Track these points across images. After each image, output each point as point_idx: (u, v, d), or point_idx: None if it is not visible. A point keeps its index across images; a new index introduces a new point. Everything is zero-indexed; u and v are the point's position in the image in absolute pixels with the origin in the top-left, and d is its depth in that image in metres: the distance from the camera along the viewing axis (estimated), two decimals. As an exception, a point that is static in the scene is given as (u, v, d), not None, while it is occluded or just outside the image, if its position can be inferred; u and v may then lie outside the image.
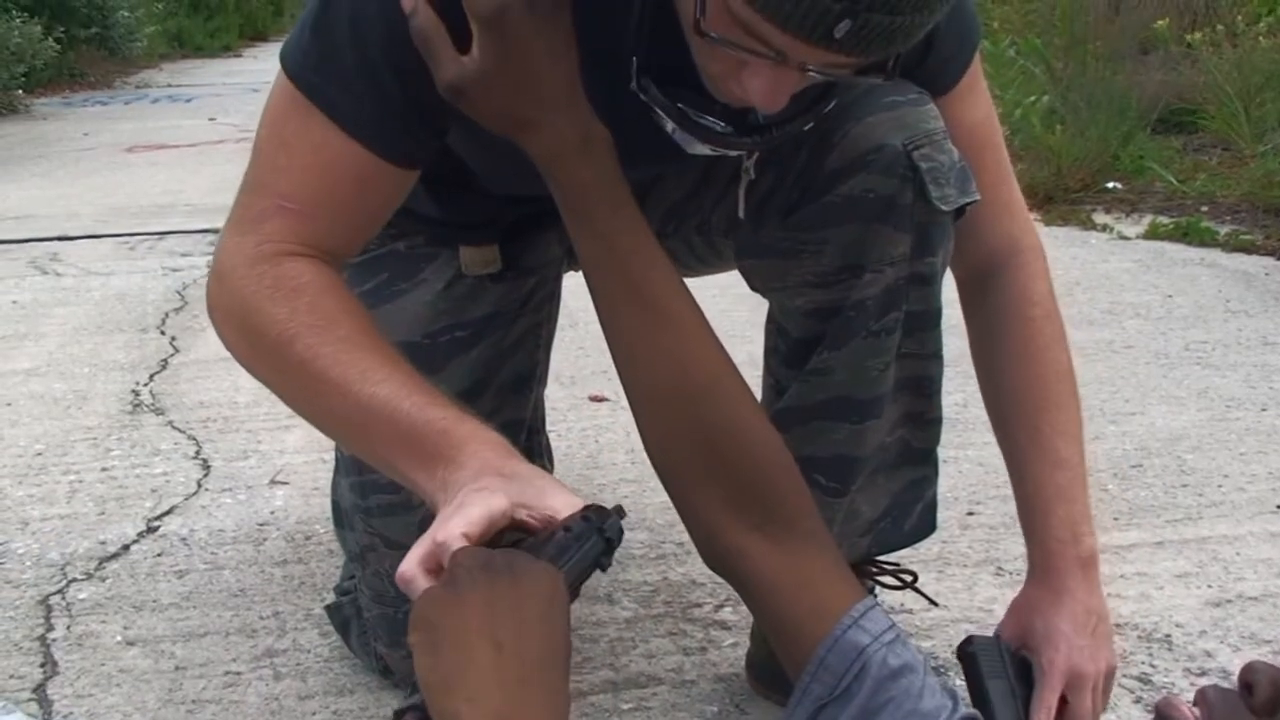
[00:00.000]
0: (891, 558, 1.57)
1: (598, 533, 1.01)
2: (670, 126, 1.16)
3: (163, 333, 3.34)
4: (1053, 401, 1.40)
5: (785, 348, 1.41)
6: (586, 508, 1.02)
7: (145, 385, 2.89)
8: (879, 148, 1.27)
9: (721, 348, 1.16)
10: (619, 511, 1.05)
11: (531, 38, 1.08)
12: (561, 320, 1.65)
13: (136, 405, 2.75)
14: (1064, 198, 4.98)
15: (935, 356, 1.39)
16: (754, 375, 1.35)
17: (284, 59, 1.17)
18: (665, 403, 1.14)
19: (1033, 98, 5.99)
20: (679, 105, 1.14)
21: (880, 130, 1.27)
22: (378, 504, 1.48)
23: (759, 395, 1.47)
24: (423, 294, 1.46)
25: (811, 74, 1.01)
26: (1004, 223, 1.41)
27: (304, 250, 1.17)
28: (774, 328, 1.44)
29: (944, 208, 1.29)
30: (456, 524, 0.98)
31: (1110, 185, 5.16)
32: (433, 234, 1.48)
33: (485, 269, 1.48)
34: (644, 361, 1.15)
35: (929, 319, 1.36)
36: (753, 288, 1.43)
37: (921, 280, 1.32)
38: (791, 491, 1.13)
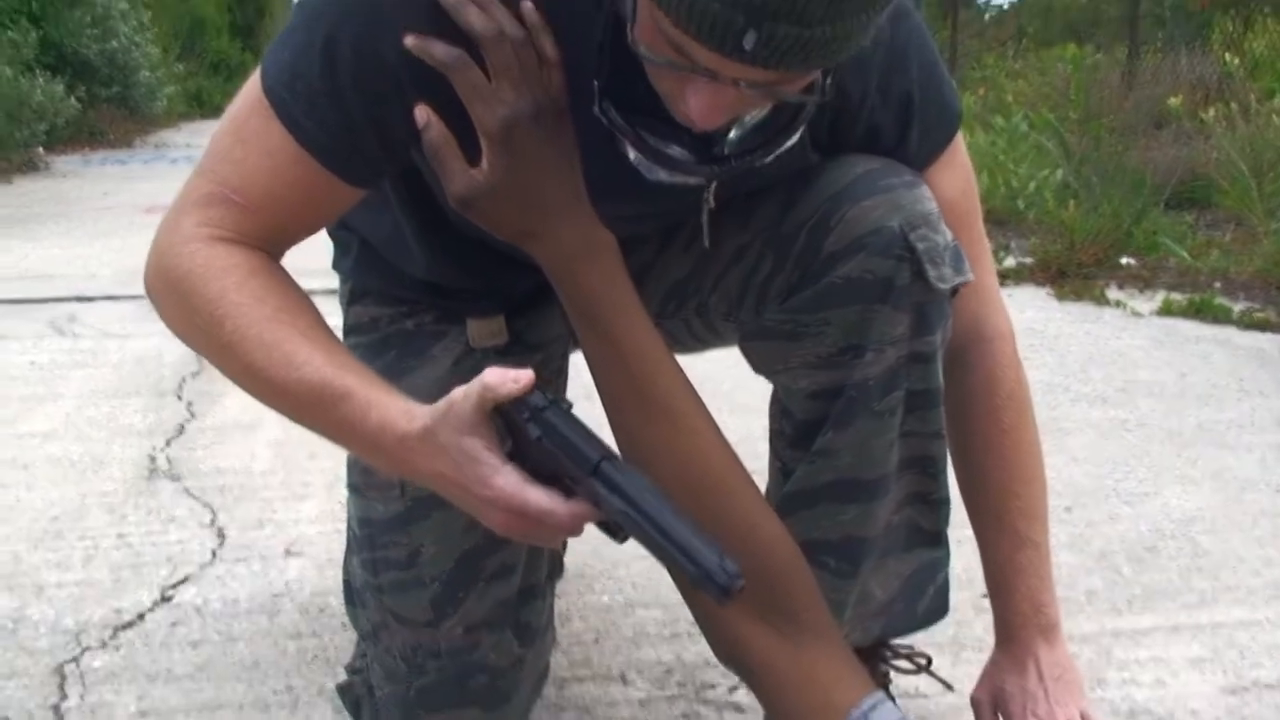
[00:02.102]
0: (905, 641, 1.58)
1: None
2: (631, 152, 1.20)
3: (179, 397, 3.35)
4: (1015, 485, 1.47)
5: (790, 430, 1.43)
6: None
7: (162, 450, 2.90)
8: (876, 230, 1.29)
9: (727, 444, 1.18)
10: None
11: (537, 151, 1.14)
12: (578, 393, 1.65)
13: (153, 471, 2.76)
14: (1077, 273, 4.99)
15: (938, 435, 1.41)
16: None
17: (263, 64, 1.22)
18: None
19: (1046, 172, 6.02)
20: (638, 130, 1.18)
21: (877, 213, 1.29)
22: (389, 581, 1.49)
23: (766, 477, 1.49)
24: (431, 371, 1.48)
25: (746, 91, 1.03)
26: (973, 305, 1.43)
27: (238, 238, 1.22)
28: (778, 410, 1.46)
29: (941, 286, 1.31)
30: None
31: (1124, 261, 5.18)
32: (441, 311, 1.51)
33: (492, 341, 1.51)
34: (651, 460, 1.17)
35: (930, 397, 1.37)
36: (756, 370, 1.44)
37: (921, 359, 1.34)
38: (799, 586, 1.14)
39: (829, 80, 1.10)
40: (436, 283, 1.50)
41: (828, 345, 1.32)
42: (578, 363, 1.38)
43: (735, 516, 1.15)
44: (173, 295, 1.23)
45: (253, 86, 1.22)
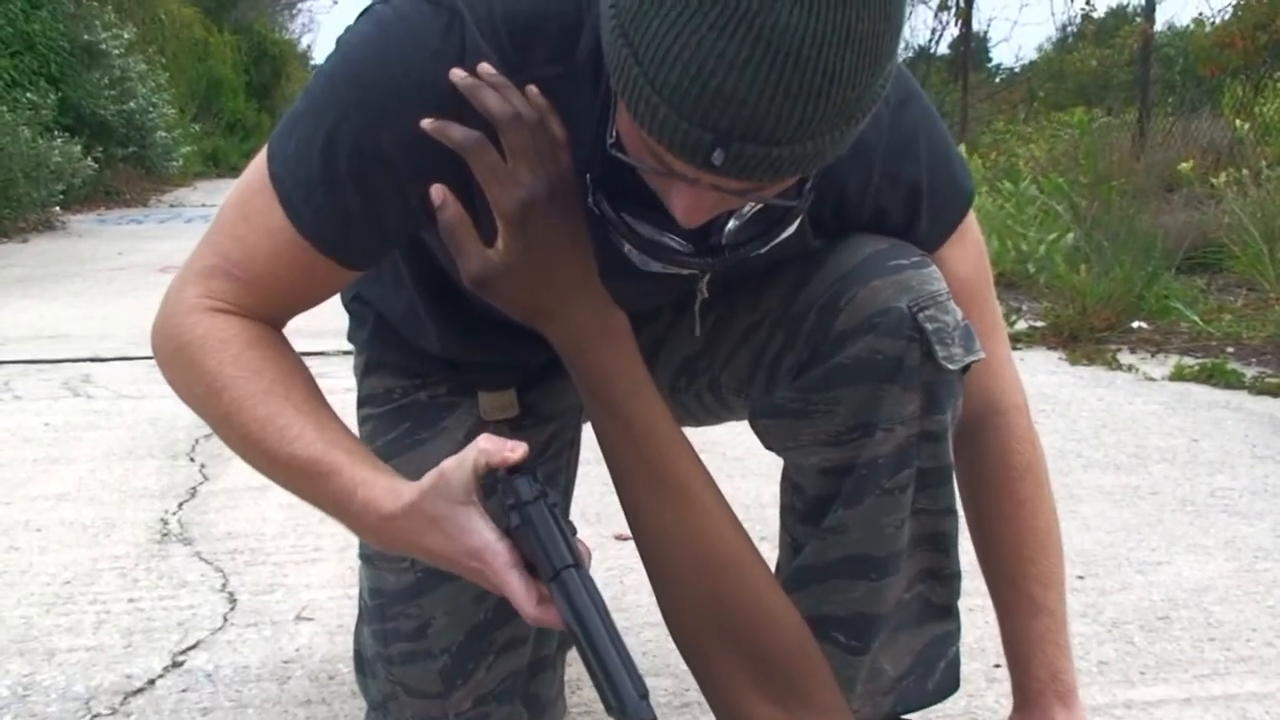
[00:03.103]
0: (917, 717, 1.57)
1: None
2: (625, 246, 1.21)
3: (192, 459, 3.37)
4: (1032, 552, 1.48)
5: (801, 505, 1.43)
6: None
7: (174, 514, 2.91)
8: (885, 310, 1.30)
9: (738, 523, 1.19)
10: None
11: (552, 233, 1.16)
12: (588, 454, 1.66)
13: (165, 534, 2.76)
14: (1089, 337, 5.00)
15: (949, 512, 1.41)
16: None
17: (269, 144, 1.25)
18: (683, 578, 1.16)
19: (1056, 236, 6.04)
20: (628, 223, 1.20)
21: (885, 294, 1.30)
22: (399, 652, 1.49)
23: (777, 552, 1.49)
24: (444, 443, 1.49)
25: (724, 194, 1.05)
26: (986, 378, 1.44)
27: (239, 310, 1.26)
28: (789, 485, 1.46)
29: (950, 366, 1.31)
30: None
31: (1135, 325, 5.19)
32: (454, 383, 1.52)
33: (503, 414, 1.52)
34: (662, 538, 1.17)
35: (941, 475, 1.37)
36: (768, 447, 1.45)
37: (932, 437, 1.34)
38: (809, 665, 1.14)
39: (809, 186, 1.13)
40: (450, 357, 1.51)
41: (838, 424, 1.33)
42: (591, 430, 1.39)
43: (746, 595, 1.15)
44: (174, 363, 1.27)
45: (260, 164, 1.25)
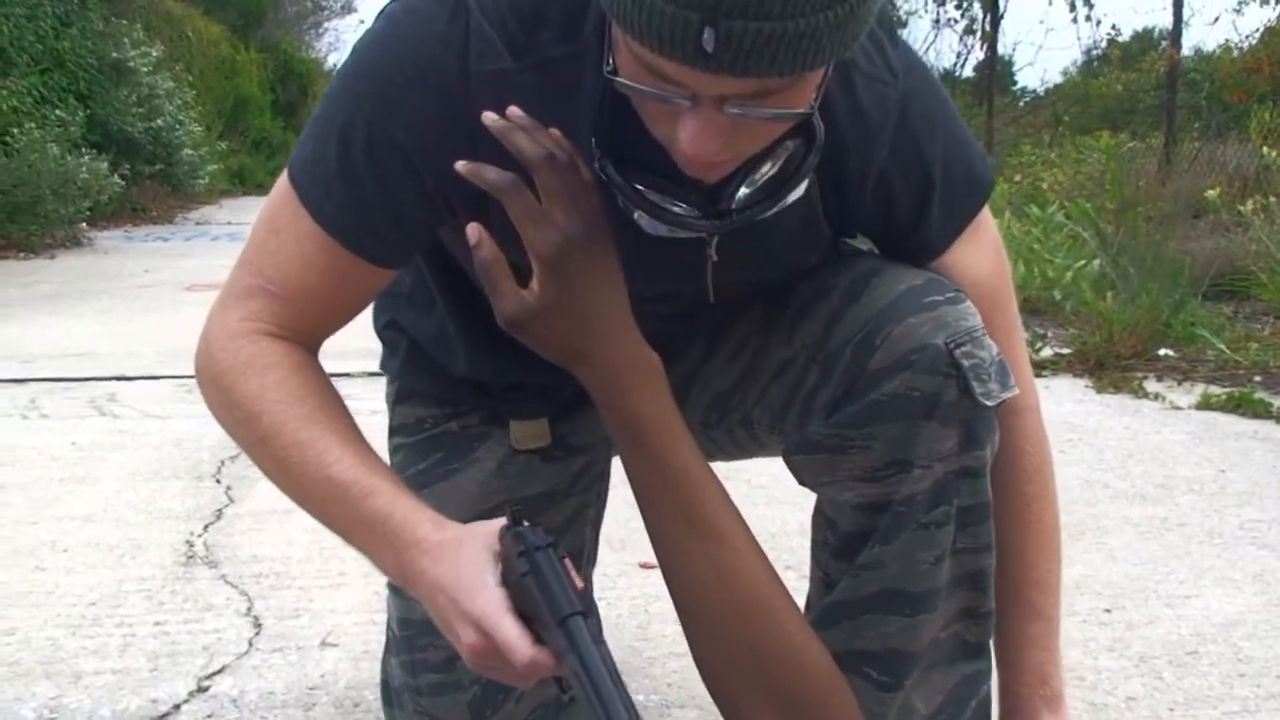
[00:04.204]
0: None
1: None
2: (627, 206, 1.22)
3: (218, 481, 3.37)
4: (1032, 556, 1.48)
5: (834, 540, 1.42)
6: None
7: (199, 536, 2.91)
8: (921, 347, 1.29)
9: (769, 565, 1.18)
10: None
11: (587, 275, 1.16)
12: (613, 478, 1.65)
13: (190, 557, 2.77)
14: (1115, 364, 4.98)
15: (988, 549, 1.40)
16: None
17: (290, 157, 1.29)
18: (714, 620, 1.16)
19: (1082, 262, 6.02)
20: (635, 185, 1.20)
21: (921, 330, 1.29)
22: (427, 683, 1.49)
23: (793, 570, 1.49)
24: (475, 473, 1.50)
25: (732, 113, 1.04)
26: None
27: (280, 331, 1.28)
28: (822, 520, 1.45)
29: (988, 403, 1.31)
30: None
31: (1162, 352, 5.16)
32: (485, 412, 1.52)
33: (535, 444, 1.52)
34: (693, 580, 1.17)
35: (981, 512, 1.36)
36: (801, 482, 1.44)
37: (970, 474, 1.33)
38: (839, 708, 1.13)
39: (817, 97, 1.10)
40: (480, 381, 1.52)
41: (874, 459, 1.32)
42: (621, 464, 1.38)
43: (777, 638, 1.15)
44: (216, 387, 1.29)
45: (282, 180, 1.29)
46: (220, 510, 3.12)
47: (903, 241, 1.40)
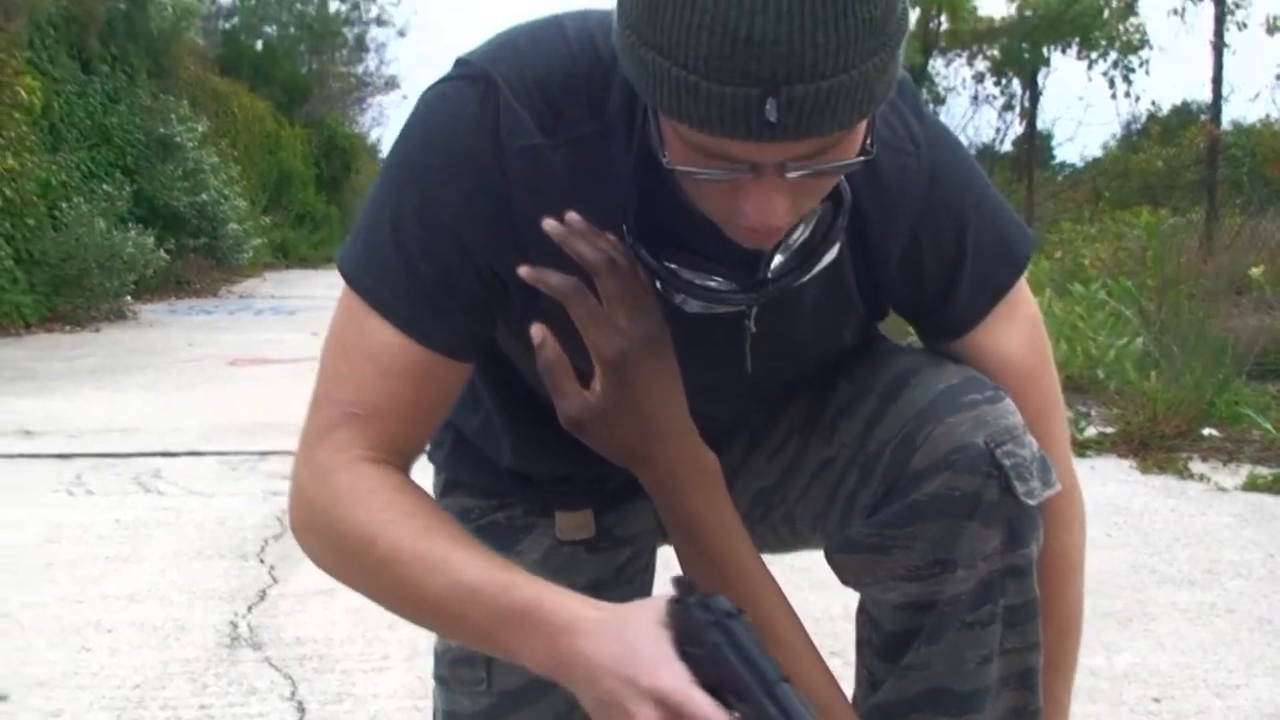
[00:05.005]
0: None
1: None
2: (673, 294, 1.22)
3: (262, 561, 3.39)
4: (1049, 640, 1.40)
5: (879, 640, 1.41)
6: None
7: (243, 617, 2.92)
8: (962, 447, 1.28)
9: (826, 668, 1.19)
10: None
11: (649, 377, 1.17)
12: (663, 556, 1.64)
13: (234, 639, 2.77)
14: (1160, 444, 4.94)
15: (1035, 647, 1.38)
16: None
17: (339, 264, 1.27)
18: None
19: (1125, 340, 5.99)
20: (666, 264, 1.20)
21: (961, 430, 1.28)
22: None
23: (833, 652, 1.47)
24: (520, 566, 1.49)
25: (793, 176, 1.04)
26: None
27: (372, 454, 1.24)
28: (866, 619, 1.44)
29: (1030, 502, 1.29)
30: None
31: (1206, 432, 5.12)
32: (531, 504, 1.52)
33: (579, 534, 1.52)
34: None
35: (1028, 610, 1.35)
36: (844, 582, 1.43)
37: (1016, 572, 1.32)
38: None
39: (870, 140, 1.10)
40: (526, 473, 1.52)
41: (916, 559, 1.31)
42: (665, 555, 1.38)
43: None
44: (320, 526, 1.24)
45: (340, 300, 1.27)
46: (264, 590, 3.13)
47: (933, 316, 1.40)
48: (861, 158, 1.09)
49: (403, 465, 1.27)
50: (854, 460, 1.36)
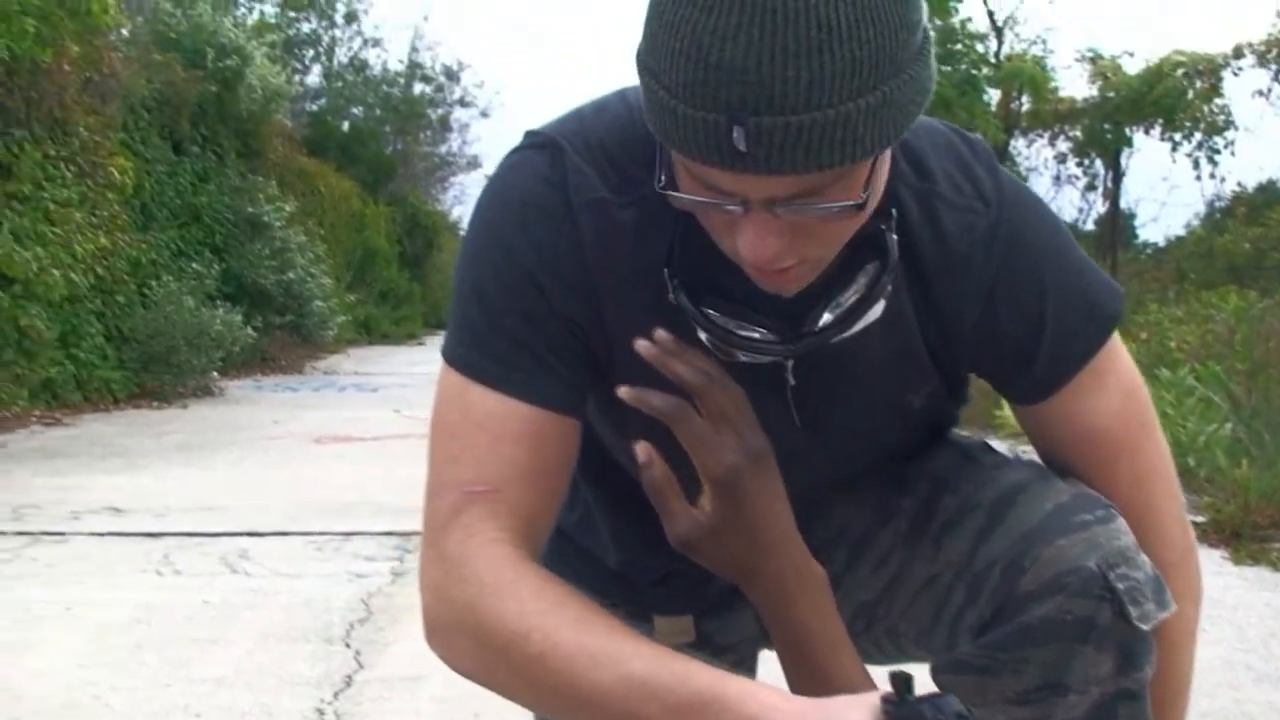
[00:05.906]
0: None
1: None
2: (702, 335, 1.22)
3: (348, 645, 3.40)
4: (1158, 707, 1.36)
5: None
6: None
7: (329, 704, 2.92)
8: (1074, 570, 1.25)
9: None
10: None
11: (757, 494, 1.17)
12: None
13: (321, 726, 2.78)
14: (1252, 535, 4.84)
15: None
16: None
17: (443, 352, 1.28)
18: None
19: (1215, 426, 5.90)
20: (706, 312, 1.20)
21: (1073, 552, 1.26)
22: None
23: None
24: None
25: (783, 213, 1.05)
26: (1148, 535, 1.33)
27: (505, 535, 1.20)
28: None
29: (1144, 627, 1.26)
30: None
31: (1301, 523, 5.01)
32: (630, 607, 1.51)
33: (679, 639, 1.51)
34: None
35: None
36: None
37: (1129, 696, 1.29)
38: None
39: (869, 190, 1.09)
40: (626, 575, 1.52)
41: (1027, 683, 1.29)
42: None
43: None
44: (463, 625, 1.20)
45: (440, 382, 1.28)
46: (350, 676, 3.13)
47: (1015, 381, 1.37)
48: (851, 203, 1.08)
49: (535, 546, 1.24)
50: (960, 578, 1.35)
